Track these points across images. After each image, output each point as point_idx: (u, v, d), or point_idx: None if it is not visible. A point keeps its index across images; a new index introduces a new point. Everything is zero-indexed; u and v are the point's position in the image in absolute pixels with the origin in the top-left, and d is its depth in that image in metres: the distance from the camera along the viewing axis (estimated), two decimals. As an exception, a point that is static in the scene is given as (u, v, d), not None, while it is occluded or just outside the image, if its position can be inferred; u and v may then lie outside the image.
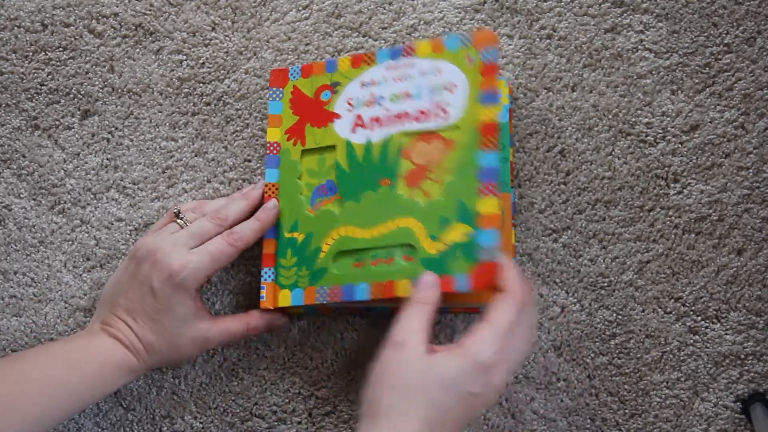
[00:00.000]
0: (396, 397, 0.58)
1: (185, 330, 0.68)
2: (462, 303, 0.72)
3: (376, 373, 0.60)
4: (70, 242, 0.77)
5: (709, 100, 0.76)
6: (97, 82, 0.79)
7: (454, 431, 0.59)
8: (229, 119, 0.78)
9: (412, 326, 0.61)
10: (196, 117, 0.79)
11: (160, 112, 0.79)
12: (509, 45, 0.78)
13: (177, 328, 0.68)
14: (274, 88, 0.74)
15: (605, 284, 0.75)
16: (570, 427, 0.74)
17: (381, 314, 0.74)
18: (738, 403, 0.74)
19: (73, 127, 0.79)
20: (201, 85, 0.79)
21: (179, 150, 0.78)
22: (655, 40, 0.77)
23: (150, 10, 0.78)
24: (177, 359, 0.70)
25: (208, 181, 0.78)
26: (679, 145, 0.76)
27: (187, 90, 0.79)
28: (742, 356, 0.74)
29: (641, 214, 0.76)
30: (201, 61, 0.78)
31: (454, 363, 0.59)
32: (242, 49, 0.78)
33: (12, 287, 0.76)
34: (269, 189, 0.72)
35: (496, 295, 0.62)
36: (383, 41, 0.78)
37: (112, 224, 0.77)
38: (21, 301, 0.76)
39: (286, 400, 0.74)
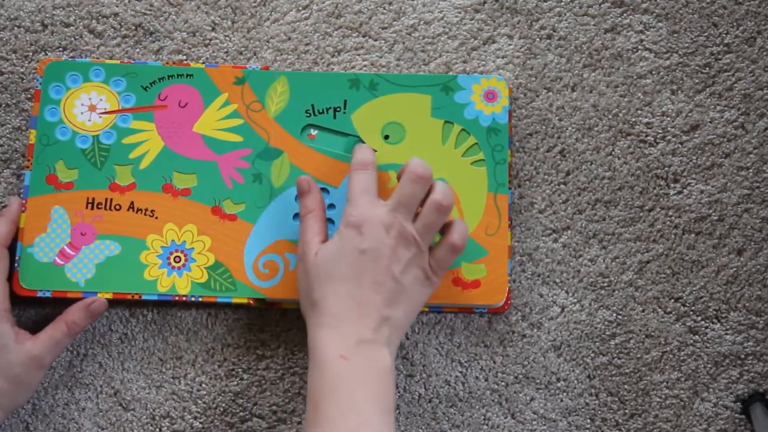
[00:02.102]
0: (308, 299, 0.65)
1: (13, 357, 0.68)
2: (457, 303, 0.72)
3: (298, 291, 0.67)
4: None
5: (709, 100, 0.76)
6: (97, 82, 0.78)
7: (377, 290, 0.63)
8: (229, 119, 0.78)
9: (304, 238, 0.67)
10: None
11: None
12: (509, 45, 0.77)
13: (5, 358, 0.67)
14: None
15: (605, 284, 0.75)
16: (570, 427, 0.73)
17: None
18: (738, 403, 0.74)
19: (73, 127, 0.78)
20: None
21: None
22: (655, 40, 0.77)
23: (150, 10, 0.78)
24: (24, 391, 0.69)
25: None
26: (679, 145, 0.76)
27: (187, 90, 0.78)
28: (742, 356, 0.74)
29: (641, 214, 0.75)
30: (201, 61, 0.77)
31: (333, 239, 0.66)
32: (242, 49, 0.77)
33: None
34: None
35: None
36: (383, 41, 0.78)
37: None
38: None
39: (286, 400, 0.74)
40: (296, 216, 0.73)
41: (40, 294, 0.71)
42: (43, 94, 0.74)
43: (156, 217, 0.72)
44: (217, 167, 0.73)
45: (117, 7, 0.78)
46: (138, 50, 0.77)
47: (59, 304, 0.71)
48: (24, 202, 0.72)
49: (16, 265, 0.71)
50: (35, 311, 0.74)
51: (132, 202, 0.73)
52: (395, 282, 0.64)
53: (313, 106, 0.74)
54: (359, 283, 0.63)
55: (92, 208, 0.72)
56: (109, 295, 0.71)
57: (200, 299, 0.71)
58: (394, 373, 0.64)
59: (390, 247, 0.64)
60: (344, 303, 0.63)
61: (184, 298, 0.71)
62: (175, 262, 0.72)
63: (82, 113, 0.74)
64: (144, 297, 0.71)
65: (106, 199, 0.73)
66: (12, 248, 0.71)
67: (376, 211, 0.65)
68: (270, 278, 0.72)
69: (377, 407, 0.61)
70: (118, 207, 0.72)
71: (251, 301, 0.72)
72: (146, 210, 0.73)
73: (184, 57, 0.77)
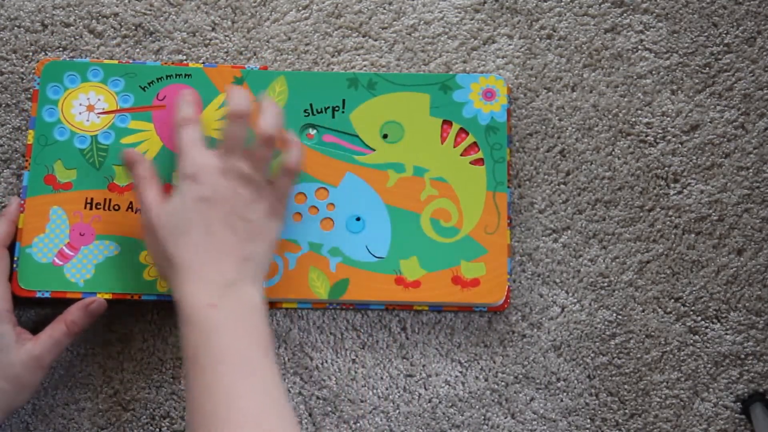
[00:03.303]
0: (169, 253, 0.64)
1: (14, 357, 0.67)
2: (455, 302, 0.72)
3: (151, 257, 0.68)
4: None
5: (709, 100, 0.76)
6: (97, 82, 0.78)
7: (230, 232, 0.64)
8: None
9: (144, 202, 0.66)
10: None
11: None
12: (509, 45, 0.77)
13: (6, 358, 0.67)
14: None
15: (605, 284, 0.74)
16: (570, 427, 0.73)
17: (377, 311, 0.74)
18: (738, 403, 0.74)
19: (73, 127, 0.77)
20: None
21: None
22: (655, 40, 0.77)
23: (150, 10, 0.77)
24: (24, 391, 0.68)
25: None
26: (679, 145, 0.76)
27: (187, 90, 0.77)
28: (742, 356, 0.74)
29: (641, 214, 0.75)
30: (201, 61, 0.76)
31: (173, 196, 0.65)
32: (242, 49, 0.77)
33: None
34: None
35: None
36: (383, 41, 0.77)
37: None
38: None
39: (286, 400, 0.73)
40: (295, 216, 0.72)
41: (39, 294, 0.70)
42: (41, 94, 0.73)
43: None
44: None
45: (117, 7, 0.77)
46: (138, 50, 0.77)
47: (59, 304, 0.71)
48: (23, 202, 0.71)
49: (14, 265, 0.71)
50: (35, 312, 0.73)
51: (131, 203, 0.72)
52: (245, 221, 0.64)
53: (311, 105, 0.74)
54: (210, 231, 0.63)
55: (91, 209, 0.72)
56: (109, 296, 0.71)
57: None
58: (266, 309, 0.64)
59: (230, 189, 0.65)
60: (201, 252, 0.63)
61: None
62: None
63: (80, 113, 0.73)
64: (143, 297, 0.71)
65: (105, 200, 0.72)
66: (11, 248, 0.71)
67: (209, 158, 0.65)
68: (270, 278, 0.71)
69: (256, 349, 0.61)
70: (116, 207, 0.72)
71: None
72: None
73: (184, 57, 0.77)
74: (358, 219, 0.72)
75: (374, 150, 0.73)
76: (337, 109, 0.74)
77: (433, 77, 0.74)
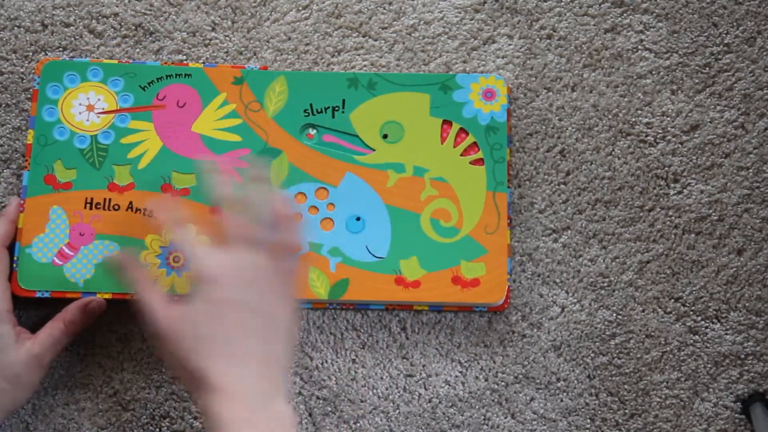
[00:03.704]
0: (191, 366, 0.58)
1: (14, 357, 0.67)
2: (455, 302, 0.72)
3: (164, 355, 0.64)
4: None
5: (709, 100, 0.76)
6: (97, 82, 0.77)
7: (255, 333, 0.59)
8: (229, 119, 0.77)
9: (151, 307, 0.61)
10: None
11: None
12: (509, 45, 0.77)
13: (6, 358, 0.67)
14: None
15: (605, 284, 0.74)
16: (570, 427, 0.73)
17: (377, 311, 0.74)
18: (738, 403, 0.73)
19: (73, 127, 0.77)
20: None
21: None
22: (655, 40, 0.77)
23: (150, 10, 0.77)
24: (24, 391, 0.68)
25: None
26: (679, 145, 0.76)
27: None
28: (742, 356, 0.74)
29: (641, 214, 0.75)
30: (201, 61, 0.76)
31: (189, 301, 0.59)
32: (242, 49, 0.77)
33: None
34: None
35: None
36: (383, 41, 0.77)
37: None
38: None
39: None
40: (296, 215, 0.72)
41: (38, 294, 0.70)
42: (41, 94, 0.73)
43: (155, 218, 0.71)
44: (216, 167, 0.72)
45: (117, 7, 0.77)
46: (138, 50, 0.76)
47: (58, 304, 0.71)
48: (22, 202, 0.71)
49: (14, 265, 0.70)
50: (35, 312, 0.73)
51: (131, 202, 0.72)
52: (265, 319, 0.60)
53: (311, 105, 0.73)
54: (233, 337, 0.59)
55: (91, 208, 0.71)
56: (108, 296, 0.70)
57: None
58: (296, 423, 0.61)
59: (246, 286, 0.60)
60: (227, 365, 0.58)
61: None
62: (174, 262, 0.71)
63: (80, 113, 0.73)
64: None
65: (105, 199, 0.72)
66: (11, 248, 0.70)
67: (219, 257, 0.61)
68: None
69: None
70: (116, 207, 0.72)
71: None
72: (145, 210, 0.72)
73: (184, 57, 0.76)
74: (358, 219, 0.72)
75: (374, 150, 0.73)
76: (337, 109, 0.73)
77: (433, 77, 0.74)
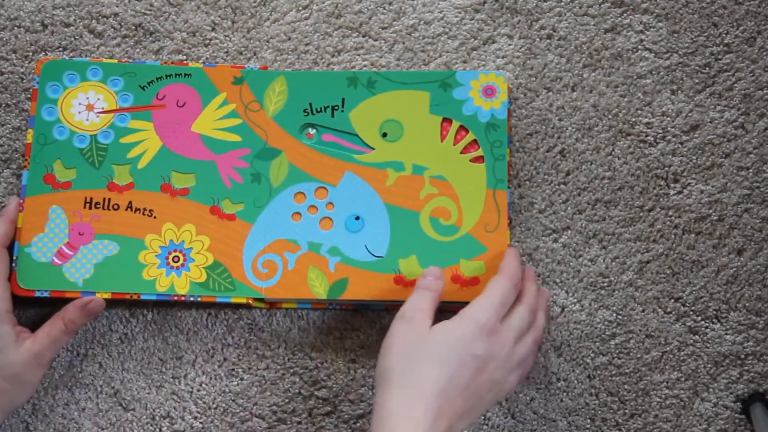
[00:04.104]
0: (406, 365, 0.61)
1: (14, 357, 0.67)
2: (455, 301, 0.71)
3: (387, 344, 0.63)
4: None
5: (709, 100, 0.76)
6: (97, 82, 0.77)
7: (470, 399, 0.62)
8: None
9: (419, 305, 0.64)
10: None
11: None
12: (509, 45, 0.77)
13: (6, 358, 0.67)
14: None
15: (605, 284, 0.74)
16: (570, 427, 0.73)
17: (377, 311, 0.74)
18: (738, 403, 0.73)
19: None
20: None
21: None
22: (655, 40, 0.77)
23: (150, 10, 0.77)
24: (24, 391, 0.68)
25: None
26: (679, 145, 0.75)
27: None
28: (742, 356, 0.73)
29: (641, 214, 0.75)
30: (201, 61, 0.76)
31: (455, 326, 0.63)
32: (242, 49, 0.76)
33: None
34: None
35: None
36: (383, 41, 0.77)
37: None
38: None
39: (286, 400, 0.73)
40: (295, 215, 0.71)
41: (38, 294, 0.70)
42: (40, 93, 0.72)
43: (154, 217, 0.71)
44: (215, 167, 0.72)
45: (117, 7, 0.77)
46: (138, 50, 0.76)
47: (58, 304, 0.70)
48: (21, 201, 0.71)
49: (13, 264, 0.70)
50: (35, 311, 0.73)
51: (130, 202, 0.71)
52: (479, 397, 0.63)
53: (311, 105, 0.73)
54: (455, 385, 0.61)
55: (90, 208, 0.71)
56: (108, 295, 0.70)
57: (199, 299, 0.70)
58: None
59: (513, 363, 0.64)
60: (426, 389, 0.60)
61: (183, 298, 0.70)
62: (173, 261, 0.70)
63: (79, 113, 0.72)
64: (143, 297, 0.70)
65: (104, 199, 0.71)
66: (10, 248, 0.70)
67: (506, 333, 0.64)
68: (269, 278, 0.70)
69: None
70: (116, 207, 0.71)
71: (250, 301, 0.71)
72: (144, 210, 0.71)
73: (184, 57, 0.76)
74: (357, 218, 0.72)
75: (373, 149, 0.72)
76: (336, 108, 0.73)
77: (433, 74, 0.73)
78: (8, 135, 0.75)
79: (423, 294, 0.65)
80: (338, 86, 0.73)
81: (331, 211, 0.72)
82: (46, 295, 0.70)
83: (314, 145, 0.73)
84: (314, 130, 0.73)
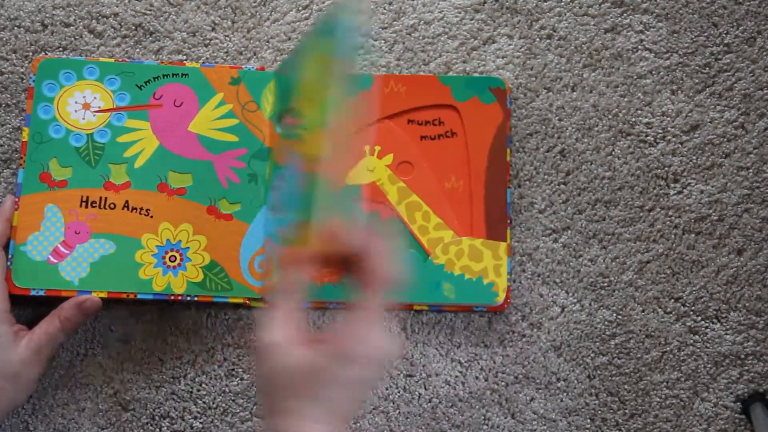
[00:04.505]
0: (279, 405, 0.54)
1: (12, 356, 0.66)
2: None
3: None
4: None
5: (709, 100, 0.75)
6: (97, 82, 0.77)
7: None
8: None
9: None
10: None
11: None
12: (509, 45, 0.76)
13: (4, 357, 0.66)
14: None
15: (605, 284, 0.74)
16: (570, 427, 0.72)
17: None
18: (738, 403, 0.73)
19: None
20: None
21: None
22: (655, 40, 0.76)
23: (150, 10, 0.76)
24: (23, 389, 0.68)
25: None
26: (679, 145, 0.75)
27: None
28: (742, 356, 0.73)
29: (641, 214, 0.74)
30: (201, 62, 0.75)
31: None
32: (242, 49, 0.76)
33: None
34: None
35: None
36: (383, 41, 0.76)
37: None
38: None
39: (286, 401, 0.72)
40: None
41: (33, 293, 0.69)
42: (36, 91, 0.72)
43: (151, 216, 0.71)
44: (212, 167, 0.71)
45: (117, 7, 0.76)
46: (138, 50, 0.76)
47: (54, 303, 0.70)
48: (17, 199, 0.70)
49: (9, 263, 0.69)
50: (31, 310, 0.72)
51: (127, 201, 0.71)
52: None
53: None
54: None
55: (86, 207, 0.71)
56: (104, 294, 0.70)
57: (196, 299, 0.70)
58: None
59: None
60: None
61: (180, 298, 0.69)
62: (170, 261, 0.70)
63: (76, 111, 0.72)
64: (139, 296, 0.70)
65: (101, 198, 0.71)
66: (6, 247, 0.69)
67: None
68: (266, 278, 0.70)
69: None
70: (112, 206, 0.71)
71: (247, 301, 0.70)
72: (141, 209, 0.71)
73: (184, 57, 0.76)
74: None
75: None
76: None
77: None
78: (8, 135, 0.74)
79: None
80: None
81: None
82: (42, 293, 0.69)
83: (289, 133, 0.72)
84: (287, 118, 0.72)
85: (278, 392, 0.54)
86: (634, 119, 0.75)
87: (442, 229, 0.71)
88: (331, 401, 0.54)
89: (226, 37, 0.76)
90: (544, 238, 0.74)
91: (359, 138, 0.72)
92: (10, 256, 0.69)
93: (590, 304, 0.73)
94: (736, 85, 0.76)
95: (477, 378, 0.72)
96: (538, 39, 0.76)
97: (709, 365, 0.73)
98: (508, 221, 0.72)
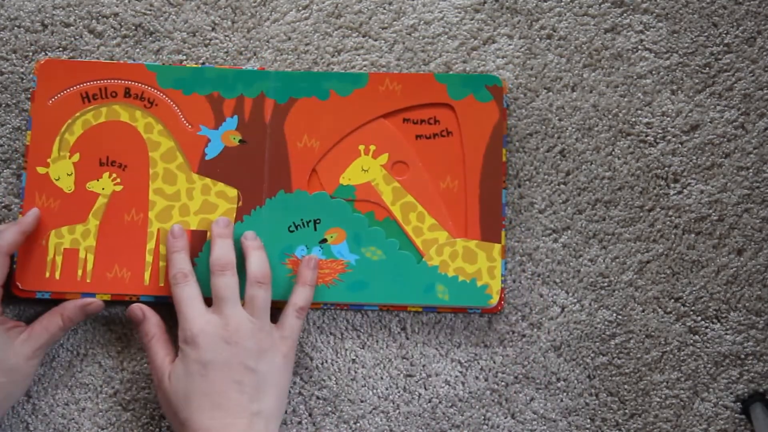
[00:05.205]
0: (181, 417, 0.63)
1: (10, 353, 0.66)
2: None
3: (166, 414, 0.66)
4: None
5: (709, 100, 0.75)
6: (97, 82, 0.76)
7: (238, 390, 0.63)
8: (229, 119, 0.75)
9: (154, 364, 0.66)
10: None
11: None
12: (509, 45, 0.76)
13: (2, 354, 0.66)
14: None
15: (605, 284, 0.73)
16: (570, 427, 0.72)
17: (376, 311, 0.73)
18: (738, 403, 0.73)
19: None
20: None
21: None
22: (655, 40, 0.76)
23: (150, 10, 0.76)
24: (20, 384, 0.68)
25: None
26: (679, 145, 0.75)
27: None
28: (742, 356, 0.73)
29: (641, 214, 0.74)
30: (201, 61, 0.75)
31: (177, 360, 0.65)
32: (242, 49, 0.75)
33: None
34: None
35: None
36: (383, 41, 0.76)
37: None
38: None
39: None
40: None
41: (38, 295, 0.69)
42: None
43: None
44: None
45: (117, 7, 0.76)
46: (138, 50, 0.75)
47: (58, 305, 0.69)
48: (37, 212, 0.69)
49: (14, 265, 0.69)
50: (35, 311, 0.72)
51: None
52: (252, 374, 0.63)
53: None
54: (216, 394, 0.62)
55: None
56: (107, 297, 0.69)
57: None
58: None
59: (233, 348, 0.64)
60: (210, 415, 0.62)
61: None
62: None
63: None
64: (142, 298, 0.69)
65: None
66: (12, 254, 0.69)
67: (207, 319, 0.65)
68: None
69: None
70: None
71: None
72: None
73: (184, 57, 0.75)
74: None
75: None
76: None
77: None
78: (8, 135, 0.74)
79: (153, 346, 0.67)
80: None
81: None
82: (47, 296, 0.69)
83: None
84: None
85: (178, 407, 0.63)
86: (634, 119, 0.75)
87: (437, 230, 0.70)
88: (206, 394, 0.62)
89: (226, 37, 0.76)
90: (544, 238, 0.74)
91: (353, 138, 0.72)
92: (15, 259, 0.69)
93: (590, 304, 0.73)
94: (736, 85, 0.75)
95: (477, 378, 0.72)
96: (538, 39, 0.76)
97: (709, 365, 0.72)
98: (503, 222, 0.71)
